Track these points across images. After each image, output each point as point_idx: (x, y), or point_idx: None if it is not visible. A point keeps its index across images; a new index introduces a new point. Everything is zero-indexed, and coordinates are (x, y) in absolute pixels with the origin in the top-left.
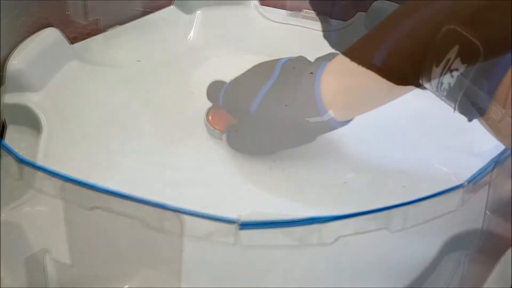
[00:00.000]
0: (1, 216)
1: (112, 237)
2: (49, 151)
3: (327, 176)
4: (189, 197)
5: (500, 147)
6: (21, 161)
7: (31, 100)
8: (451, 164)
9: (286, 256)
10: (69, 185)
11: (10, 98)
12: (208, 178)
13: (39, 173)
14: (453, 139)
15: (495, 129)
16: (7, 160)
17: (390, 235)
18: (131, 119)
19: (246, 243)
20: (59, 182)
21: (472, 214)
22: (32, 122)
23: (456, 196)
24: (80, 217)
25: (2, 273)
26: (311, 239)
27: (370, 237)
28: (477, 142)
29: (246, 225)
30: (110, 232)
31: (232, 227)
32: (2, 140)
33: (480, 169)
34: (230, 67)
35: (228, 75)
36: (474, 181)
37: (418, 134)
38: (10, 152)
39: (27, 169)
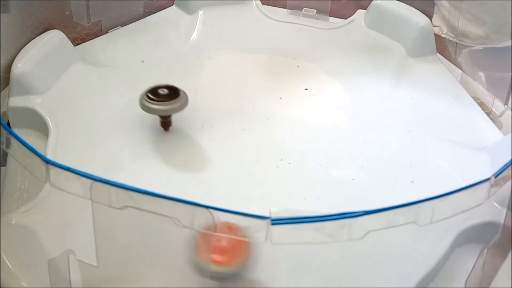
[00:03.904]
0: (12, 220)
1: (137, 237)
2: (57, 153)
3: (335, 173)
4: (197, 197)
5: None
6: (47, 162)
7: (37, 103)
8: (454, 159)
9: (303, 252)
10: (99, 185)
11: (15, 102)
12: (215, 177)
13: (67, 174)
14: (456, 134)
15: None
16: (33, 162)
17: (403, 227)
18: (136, 119)
19: (277, 240)
20: (88, 182)
21: (483, 208)
22: (37, 125)
23: (483, 189)
24: (105, 218)
25: (20, 276)
26: (341, 235)
27: (384, 231)
28: (480, 138)
29: (278, 221)
30: (135, 232)
31: (264, 223)
32: (27, 142)
33: (507, 164)
34: (233, 66)
35: (231, 74)
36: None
37: (423, 130)
38: (36, 153)
39: (53, 170)
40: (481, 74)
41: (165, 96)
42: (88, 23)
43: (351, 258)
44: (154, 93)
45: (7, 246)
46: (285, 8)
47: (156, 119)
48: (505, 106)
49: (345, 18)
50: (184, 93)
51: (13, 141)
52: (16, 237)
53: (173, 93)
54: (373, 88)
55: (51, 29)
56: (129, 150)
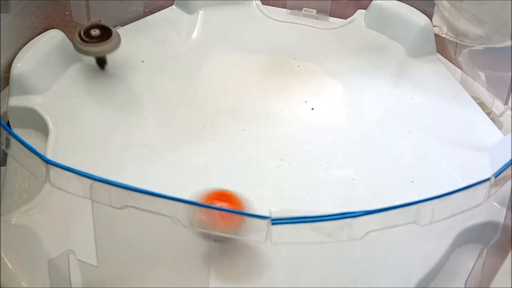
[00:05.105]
0: (12, 220)
1: (137, 237)
2: (57, 153)
3: (335, 173)
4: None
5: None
6: (47, 162)
7: (37, 102)
8: (454, 159)
9: (303, 253)
10: (98, 185)
11: (15, 101)
12: (214, 177)
13: (67, 174)
14: (456, 134)
15: None
16: (33, 162)
17: (403, 227)
18: (136, 119)
19: (277, 240)
20: (88, 182)
21: (483, 208)
22: (37, 124)
23: (483, 189)
24: (105, 218)
25: (20, 276)
26: (341, 235)
27: (384, 231)
28: (480, 138)
29: (278, 221)
30: (135, 232)
31: (264, 223)
32: (27, 143)
33: (507, 164)
34: (233, 66)
35: (231, 74)
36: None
37: (423, 130)
38: (36, 153)
39: (53, 170)
40: (481, 74)
41: (98, 37)
42: (88, 23)
43: (351, 258)
44: (87, 35)
45: (7, 246)
46: (285, 8)
47: (156, 118)
48: (505, 106)
49: (345, 18)
50: (116, 32)
51: (13, 141)
52: (16, 237)
53: (105, 33)
54: (373, 88)
55: (51, 29)
56: (129, 150)
